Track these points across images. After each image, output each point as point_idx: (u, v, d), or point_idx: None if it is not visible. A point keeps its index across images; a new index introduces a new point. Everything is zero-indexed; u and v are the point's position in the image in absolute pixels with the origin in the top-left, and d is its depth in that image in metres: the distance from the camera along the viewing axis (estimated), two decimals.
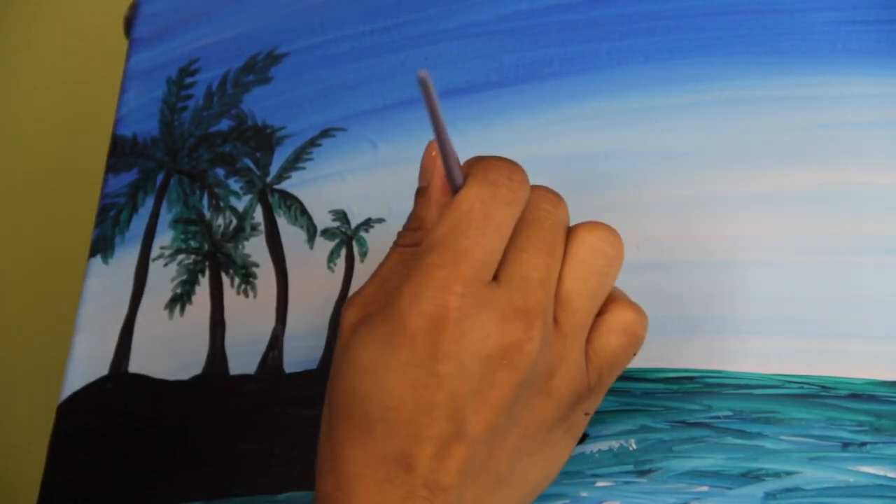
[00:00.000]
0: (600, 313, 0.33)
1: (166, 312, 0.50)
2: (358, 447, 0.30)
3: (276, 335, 0.48)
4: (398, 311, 0.29)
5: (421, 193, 0.34)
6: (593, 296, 0.32)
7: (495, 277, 0.30)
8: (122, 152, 0.56)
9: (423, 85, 0.27)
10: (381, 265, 0.34)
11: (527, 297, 0.30)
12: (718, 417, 0.39)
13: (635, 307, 0.33)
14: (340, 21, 0.54)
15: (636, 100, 0.46)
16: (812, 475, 0.38)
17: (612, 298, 0.33)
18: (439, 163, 0.32)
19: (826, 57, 0.44)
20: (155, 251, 0.52)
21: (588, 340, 0.33)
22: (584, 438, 0.40)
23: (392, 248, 0.34)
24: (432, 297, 0.29)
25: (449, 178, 0.31)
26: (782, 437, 0.39)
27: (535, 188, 0.32)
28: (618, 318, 0.33)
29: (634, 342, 0.33)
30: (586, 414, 0.34)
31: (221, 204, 0.52)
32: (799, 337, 0.40)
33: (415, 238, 0.33)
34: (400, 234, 0.34)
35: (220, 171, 0.53)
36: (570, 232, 0.32)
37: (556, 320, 0.31)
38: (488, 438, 0.30)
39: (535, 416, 0.31)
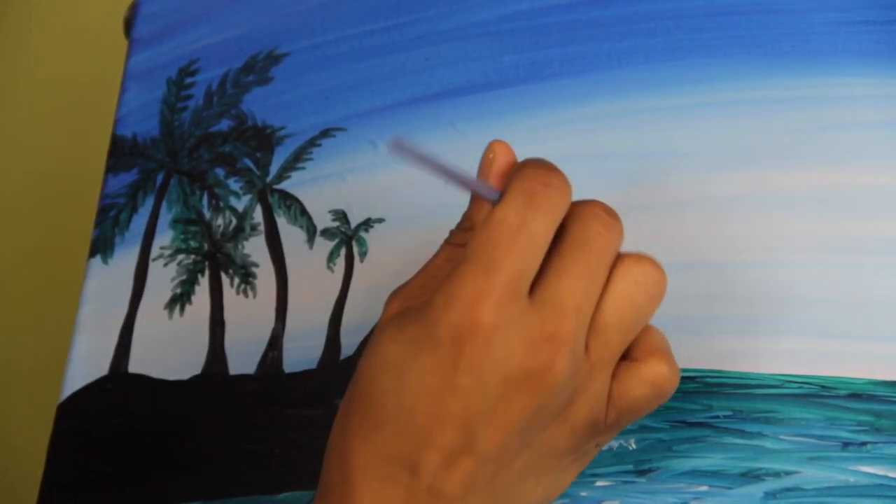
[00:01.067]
0: (635, 358, 0.32)
1: (166, 312, 0.50)
2: (367, 442, 0.29)
3: (276, 335, 0.48)
4: (429, 316, 0.29)
5: (473, 194, 0.33)
6: (628, 330, 0.31)
7: (532, 294, 0.29)
8: (122, 152, 0.56)
9: (403, 150, 0.28)
10: (431, 260, 0.34)
11: (559, 323, 0.29)
12: (718, 417, 0.39)
13: (670, 363, 0.32)
14: (340, 21, 0.54)
15: (636, 100, 0.46)
16: (812, 475, 0.38)
17: (652, 348, 0.32)
18: (496, 164, 0.32)
19: (826, 58, 0.44)
20: (155, 251, 0.52)
21: (615, 378, 0.32)
22: None
23: (443, 245, 0.34)
24: (462, 309, 0.28)
25: (483, 198, 0.31)
26: (782, 437, 0.39)
27: (589, 204, 0.31)
28: (651, 371, 0.32)
29: (660, 396, 0.32)
30: (597, 446, 0.33)
31: (221, 204, 0.52)
32: (799, 337, 0.40)
33: (465, 238, 0.33)
34: (452, 232, 0.34)
35: (220, 172, 0.53)
36: (616, 258, 0.31)
37: (587, 349, 0.30)
38: (497, 457, 0.29)
39: (548, 442, 0.31)
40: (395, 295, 0.33)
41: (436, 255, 0.34)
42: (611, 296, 0.30)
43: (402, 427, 0.29)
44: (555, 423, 0.30)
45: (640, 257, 0.31)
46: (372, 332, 0.45)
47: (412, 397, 0.29)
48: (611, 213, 0.31)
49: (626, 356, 0.32)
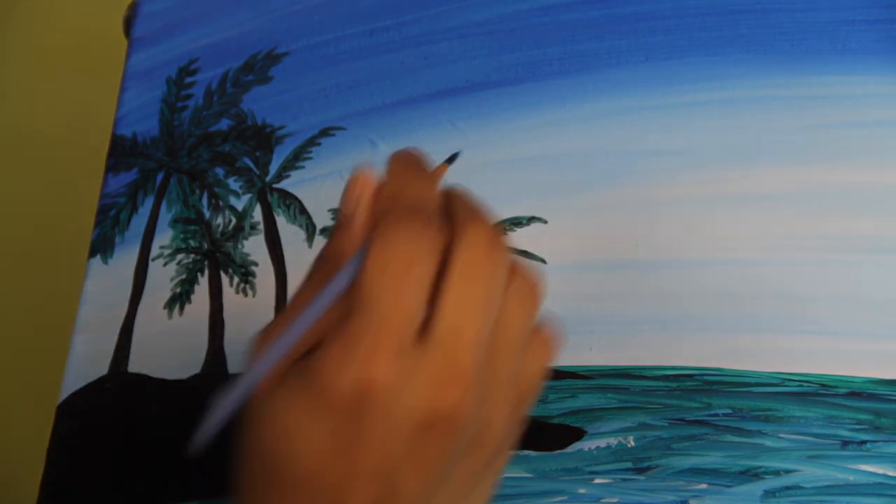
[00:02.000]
0: None
1: (166, 312, 0.50)
2: None
3: None
4: (323, 379, 0.27)
5: (338, 225, 0.31)
6: (521, 347, 0.30)
7: (426, 328, 0.28)
8: (122, 152, 0.56)
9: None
10: (299, 292, 0.31)
11: (459, 359, 0.28)
12: (717, 415, 0.39)
13: (547, 332, 0.31)
14: (340, 21, 0.54)
15: (636, 99, 0.46)
16: (811, 473, 0.38)
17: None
18: (364, 198, 0.30)
19: (826, 57, 0.44)
20: (154, 251, 0.52)
21: None
22: (581, 435, 0.40)
23: (304, 280, 0.32)
24: (358, 369, 0.27)
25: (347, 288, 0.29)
26: (782, 435, 0.38)
27: (471, 230, 0.29)
28: (539, 347, 0.31)
29: (549, 366, 0.31)
30: (511, 449, 0.32)
31: (221, 203, 0.52)
32: (799, 335, 0.40)
33: (326, 271, 0.30)
34: (314, 263, 0.32)
35: (220, 171, 0.53)
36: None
37: (491, 368, 0.29)
38: (420, 500, 0.28)
39: (468, 470, 0.30)
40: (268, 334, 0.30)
41: (297, 294, 0.31)
42: (505, 320, 0.29)
43: (314, 491, 0.28)
44: (472, 453, 0.30)
45: (521, 276, 0.30)
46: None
47: (320, 459, 0.28)
48: (493, 236, 0.29)
49: None
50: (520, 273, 0.30)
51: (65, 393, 0.50)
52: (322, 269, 0.31)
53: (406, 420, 0.28)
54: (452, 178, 0.32)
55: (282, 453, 0.28)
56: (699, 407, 0.40)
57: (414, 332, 0.28)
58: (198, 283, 0.50)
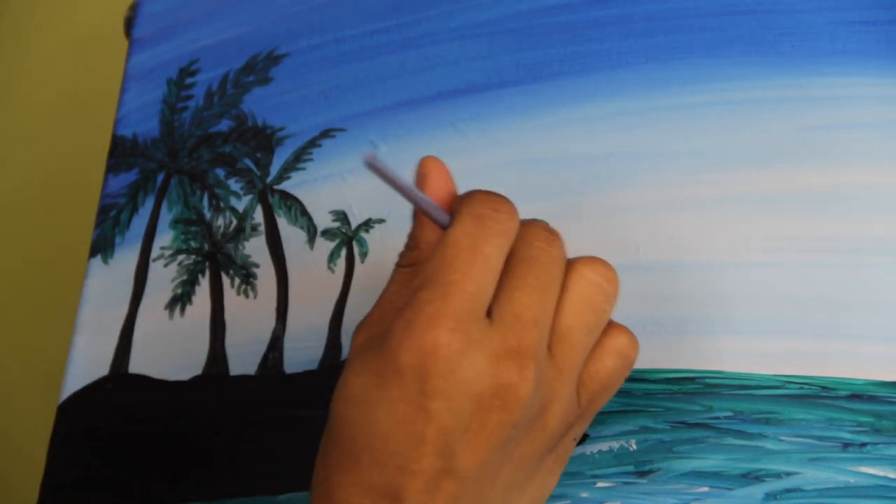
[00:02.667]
0: None
1: (166, 313, 0.50)
2: (347, 474, 0.30)
3: (277, 336, 0.48)
4: (390, 345, 0.29)
5: (418, 214, 0.33)
6: (591, 331, 0.32)
7: (489, 315, 0.30)
8: (122, 152, 0.56)
9: (374, 168, 0.28)
10: (386, 287, 0.34)
11: (521, 337, 0.29)
12: (719, 418, 0.39)
13: (627, 331, 0.33)
14: (340, 21, 0.54)
15: (636, 100, 0.46)
16: (812, 476, 0.38)
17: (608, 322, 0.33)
18: (435, 187, 0.32)
19: (826, 57, 0.44)
20: (155, 251, 0.52)
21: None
22: (584, 439, 0.40)
23: (394, 270, 0.34)
24: (421, 333, 0.28)
25: (435, 222, 0.32)
26: (783, 438, 0.39)
27: (529, 223, 0.32)
28: (614, 341, 0.33)
29: (627, 364, 0.33)
30: (574, 439, 0.34)
31: (222, 204, 0.52)
32: (799, 337, 0.40)
33: (412, 257, 0.33)
34: (400, 254, 0.34)
35: (221, 172, 0.53)
36: (568, 266, 0.32)
37: (552, 355, 0.31)
38: (479, 476, 0.29)
39: (527, 452, 0.31)
40: (360, 327, 0.33)
41: (390, 282, 0.34)
42: (568, 301, 0.31)
43: (378, 457, 0.29)
44: (532, 434, 0.31)
45: (590, 259, 0.32)
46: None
47: (385, 427, 0.29)
48: (550, 230, 0.32)
49: None
50: (592, 261, 0.32)
51: (65, 393, 0.50)
52: (407, 256, 0.33)
53: (466, 391, 0.28)
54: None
55: (351, 419, 0.30)
56: (700, 410, 0.40)
57: (480, 309, 0.29)
58: (198, 284, 0.50)
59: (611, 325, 0.33)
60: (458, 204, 0.31)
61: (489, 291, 0.30)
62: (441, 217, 0.31)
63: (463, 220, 0.30)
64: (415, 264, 0.32)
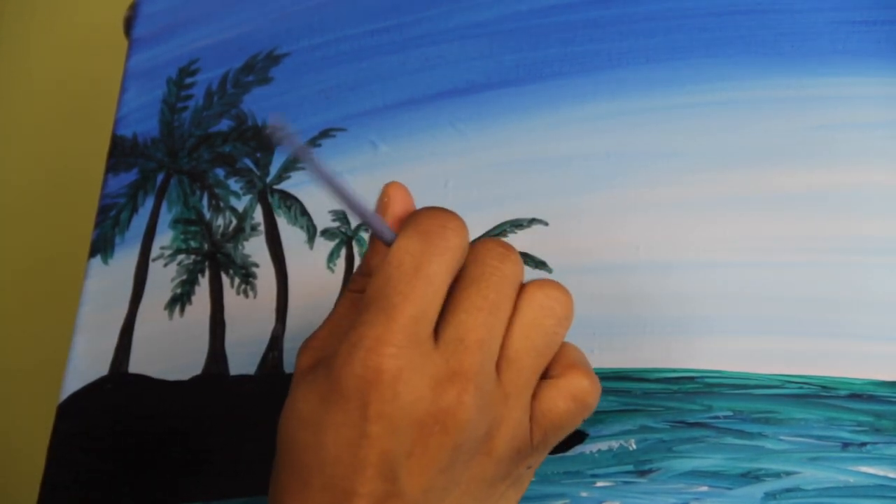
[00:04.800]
0: (554, 375, 0.32)
1: (166, 312, 0.50)
2: (297, 497, 0.30)
3: (276, 335, 0.48)
4: (335, 369, 0.29)
5: (372, 239, 0.33)
6: (540, 354, 0.31)
7: (436, 332, 0.30)
8: (122, 152, 0.56)
9: (297, 153, 0.28)
10: (334, 309, 0.34)
11: (462, 361, 0.29)
12: (718, 417, 0.39)
13: (590, 375, 0.32)
14: (340, 21, 0.54)
15: (636, 100, 0.46)
16: (812, 475, 0.38)
17: (569, 363, 0.32)
18: (391, 209, 0.32)
19: (826, 57, 0.44)
20: (155, 251, 0.52)
21: (536, 398, 0.32)
22: (583, 438, 0.40)
23: (345, 292, 0.34)
24: (363, 358, 0.28)
25: (378, 236, 0.31)
26: (782, 438, 0.39)
27: (482, 241, 0.32)
28: (570, 384, 0.32)
29: (583, 409, 0.32)
30: (529, 468, 0.33)
31: (221, 204, 0.52)
32: (799, 337, 0.40)
33: (362, 283, 0.33)
34: (351, 278, 0.34)
35: (221, 172, 0.53)
36: (521, 288, 0.31)
37: (499, 378, 0.30)
38: (426, 500, 0.29)
39: (476, 476, 0.31)
40: (304, 347, 0.33)
41: (338, 304, 0.34)
42: (517, 324, 0.31)
43: (328, 480, 0.29)
44: (478, 457, 0.30)
45: (543, 282, 0.31)
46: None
47: (332, 450, 0.29)
48: (505, 246, 0.31)
49: (545, 375, 0.32)
50: (545, 284, 0.31)
51: (65, 393, 0.50)
52: (358, 282, 0.33)
53: (407, 415, 0.28)
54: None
55: (301, 442, 0.30)
56: (700, 409, 0.40)
57: (423, 331, 0.29)
58: (198, 284, 0.50)
59: (573, 367, 0.32)
60: (405, 220, 0.31)
61: (434, 312, 0.29)
62: (386, 233, 0.31)
63: (408, 237, 0.30)
64: (364, 291, 0.31)
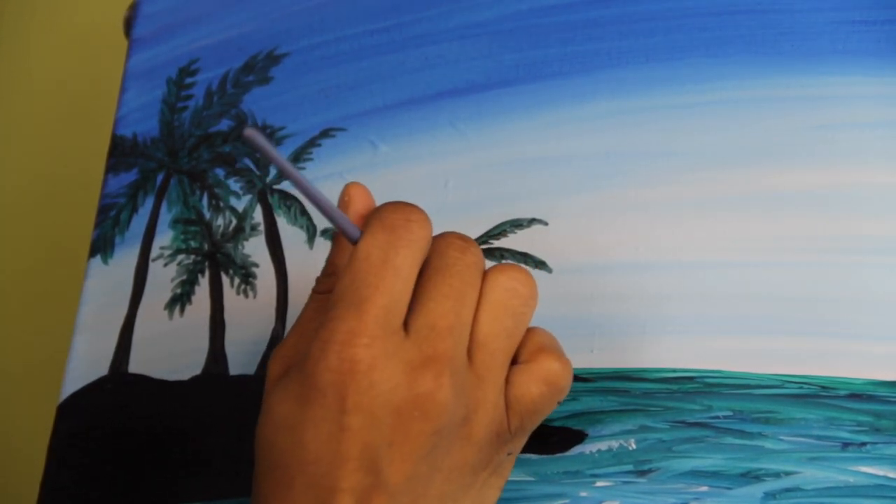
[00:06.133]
0: (525, 360, 0.33)
1: (166, 312, 0.50)
2: (280, 501, 0.30)
3: (277, 335, 0.48)
4: (308, 367, 0.29)
5: (335, 239, 0.34)
6: (509, 335, 0.32)
7: (406, 326, 0.30)
8: (122, 152, 0.56)
9: (253, 142, 0.28)
10: (301, 314, 0.34)
11: (435, 346, 0.29)
12: (718, 417, 0.39)
13: (561, 358, 0.33)
14: (340, 21, 0.54)
15: (636, 100, 0.46)
16: (812, 475, 0.38)
17: (539, 347, 0.33)
18: (353, 207, 0.32)
19: (826, 57, 0.44)
20: (155, 251, 0.52)
21: (509, 384, 0.32)
22: (583, 438, 0.40)
23: (311, 295, 0.34)
24: (338, 352, 0.28)
25: (344, 233, 0.31)
26: (782, 437, 0.39)
27: (442, 235, 0.32)
28: (541, 368, 0.32)
29: (556, 392, 0.33)
30: (510, 454, 0.33)
31: (221, 204, 0.52)
32: (799, 337, 0.40)
33: (329, 284, 0.33)
34: (317, 280, 0.34)
35: (220, 172, 0.53)
36: (484, 275, 0.32)
37: (472, 363, 0.31)
38: (409, 488, 0.29)
39: (457, 462, 0.31)
40: (274, 356, 0.33)
41: (305, 308, 0.34)
42: (484, 307, 0.31)
43: (310, 479, 0.29)
44: (458, 442, 0.31)
45: (504, 266, 0.32)
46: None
47: (312, 449, 0.29)
48: (464, 238, 0.32)
49: (516, 361, 0.33)
50: (506, 267, 0.32)
51: (65, 393, 0.50)
52: (324, 283, 0.33)
53: (385, 405, 0.29)
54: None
55: (281, 446, 0.30)
56: (700, 409, 0.40)
57: (395, 321, 0.29)
58: (198, 284, 0.50)
59: (544, 351, 0.33)
60: (369, 216, 0.31)
61: (403, 303, 0.30)
62: (351, 230, 0.31)
63: (374, 232, 0.30)
64: (331, 291, 0.31)
